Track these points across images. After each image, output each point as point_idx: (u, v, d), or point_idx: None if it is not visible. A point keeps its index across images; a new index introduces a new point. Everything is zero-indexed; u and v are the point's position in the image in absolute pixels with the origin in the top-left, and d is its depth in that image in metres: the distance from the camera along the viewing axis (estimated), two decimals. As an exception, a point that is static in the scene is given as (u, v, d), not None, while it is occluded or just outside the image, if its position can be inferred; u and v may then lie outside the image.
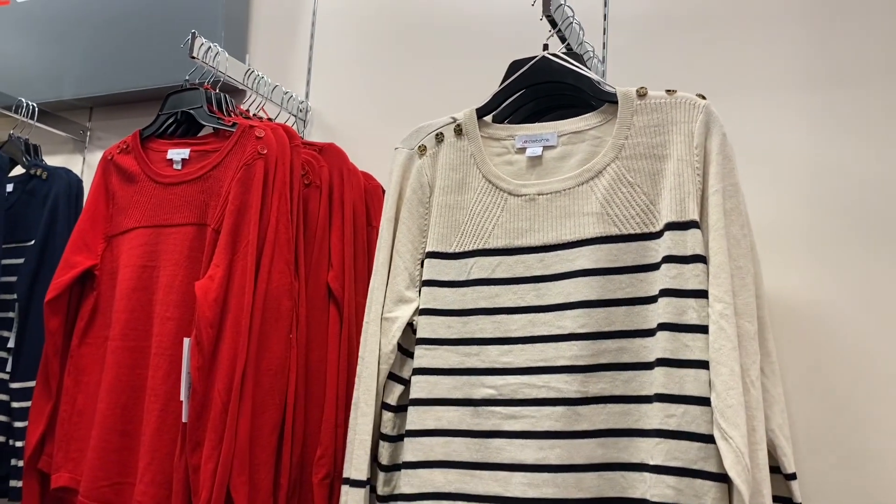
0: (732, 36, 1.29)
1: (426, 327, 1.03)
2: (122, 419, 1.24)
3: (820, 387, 1.16)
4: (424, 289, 1.05)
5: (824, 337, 1.16)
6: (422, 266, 1.06)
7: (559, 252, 0.98)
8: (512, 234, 1.01)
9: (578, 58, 1.03)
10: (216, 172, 1.25)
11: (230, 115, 1.32)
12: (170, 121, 1.37)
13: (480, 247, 1.03)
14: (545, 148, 1.03)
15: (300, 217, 1.26)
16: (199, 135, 1.36)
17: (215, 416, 1.10)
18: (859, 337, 1.14)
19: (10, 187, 1.56)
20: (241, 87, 1.47)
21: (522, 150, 1.04)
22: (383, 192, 1.49)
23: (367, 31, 1.64)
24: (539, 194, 1.01)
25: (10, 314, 1.47)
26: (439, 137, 1.08)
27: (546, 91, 1.08)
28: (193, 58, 1.34)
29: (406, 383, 1.05)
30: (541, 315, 0.97)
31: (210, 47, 1.37)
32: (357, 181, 1.39)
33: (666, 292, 0.90)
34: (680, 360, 0.88)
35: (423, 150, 1.09)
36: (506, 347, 0.98)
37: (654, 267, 0.93)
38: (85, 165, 1.85)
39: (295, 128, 1.59)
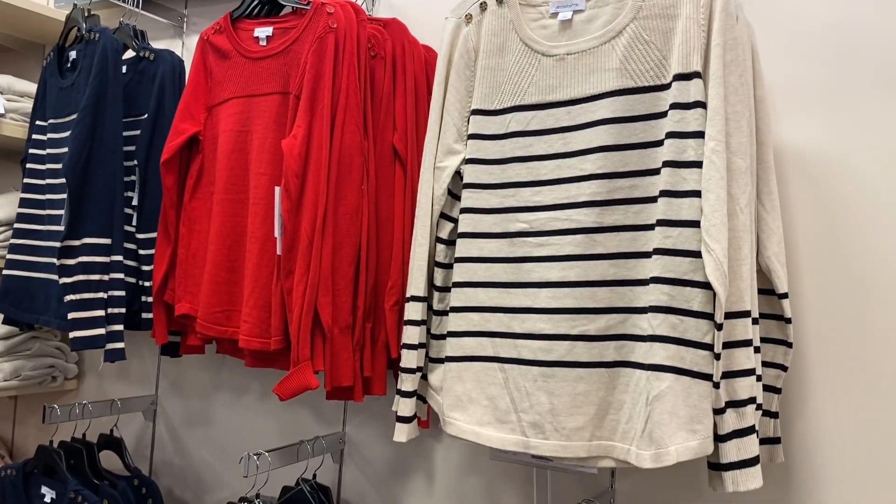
0: None
1: (471, 174, 1.22)
2: (228, 258, 1.50)
3: (829, 232, 1.29)
4: (470, 141, 1.23)
5: (836, 185, 1.28)
6: (468, 122, 1.24)
7: (583, 105, 1.14)
8: (544, 90, 1.17)
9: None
10: (295, 46, 1.44)
11: (305, -5, 1.50)
12: (255, 2, 1.56)
13: (517, 103, 1.19)
14: (575, 12, 1.16)
15: (368, 85, 1.44)
16: (281, 14, 1.54)
17: (303, 249, 1.34)
18: (871, 186, 1.25)
19: (123, 68, 1.80)
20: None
21: (555, 15, 1.18)
22: (443, 63, 1.65)
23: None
24: (568, 54, 1.15)
25: (133, 177, 1.75)
26: (483, 6, 1.23)
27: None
28: (271, -57, 1.50)
29: (455, 221, 1.25)
30: (567, 160, 1.14)
31: (285, -67, 1.52)
32: (418, 53, 1.56)
33: (670, 134, 1.05)
34: (678, 192, 1.04)
35: (468, 18, 1.24)
36: (537, 189, 1.17)
37: (663, 115, 1.08)
38: (184, 49, 2.08)
39: (363, 6, 1.75)
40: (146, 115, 1.75)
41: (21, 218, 1.83)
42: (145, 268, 1.75)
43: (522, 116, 1.19)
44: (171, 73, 1.77)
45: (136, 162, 1.74)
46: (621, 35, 1.11)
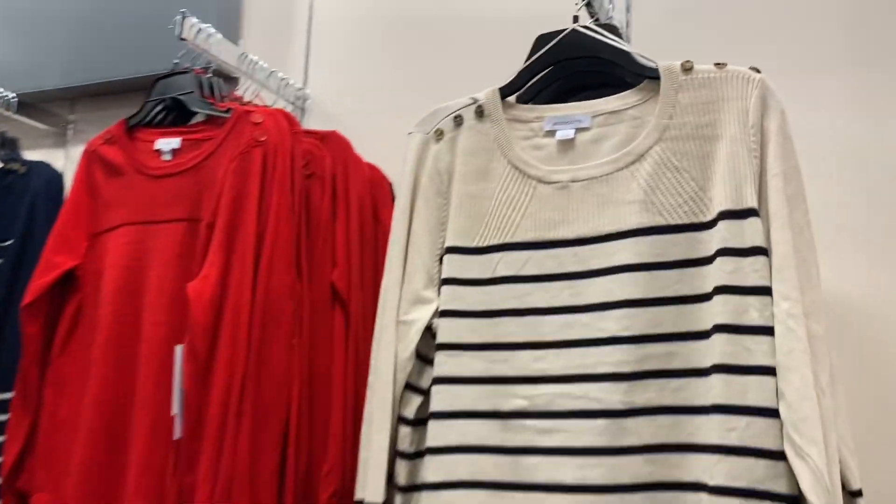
0: (765, 11, 1.19)
1: (447, 331, 0.92)
2: (109, 434, 1.12)
3: (875, 392, 1.06)
4: (445, 287, 0.94)
5: (880, 338, 1.06)
6: (441, 263, 0.96)
7: (596, 245, 0.88)
8: (542, 225, 0.91)
9: (613, 30, 0.93)
10: (210, 162, 1.14)
11: (224, 102, 1.21)
12: (158, 108, 1.26)
13: (507, 240, 0.92)
14: (578, 130, 0.92)
15: (302, 211, 1.15)
16: (192, 123, 1.25)
17: (212, 432, 0.99)
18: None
19: (-15, 183, 1.44)
20: (234, 72, 1.36)
21: (552, 133, 0.94)
22: (390, 185, 1.38)
23: (369, 13, 1.53)
24: (573, 181, 0.90)
25: (-13, 320, 1.36)
26: (458, 120, 0.98)
27: (576, 68, 0.98)
28: (183, 39, 1.23)
29: (425, 394, 0.94)
30: (578, 316, 0.87)
31: (201, 28, 1.26)
32: (362, 172, 1.28)
33: (722, 289, 0.80)
34: (741, 366, 0.77)
35: (439, 134, 0.98)
36: (538, 353, 0.88)
37: (706, 261, 0.83)
38: (67, 160, 1.74)
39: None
40: (11, 241, 1.38)
41: None
42: (-6, 439, 1.32)
43: (515, 257, 0.91)
44: (45, 189, 1.42)
45: (-8, 300, 1.36)
46: (643, 160, 0.87)
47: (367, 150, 1.34)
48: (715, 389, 0.78)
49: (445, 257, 0.95)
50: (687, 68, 0.87)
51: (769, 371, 0.76)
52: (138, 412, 1.10)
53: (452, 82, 1.38)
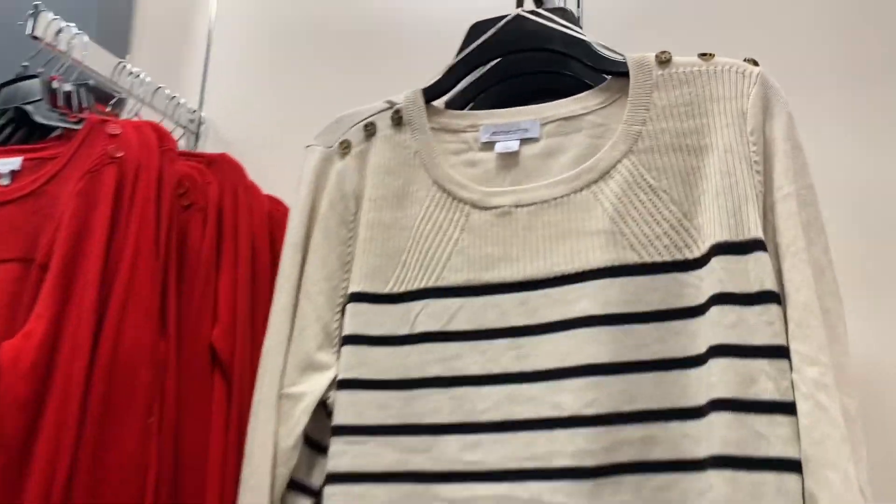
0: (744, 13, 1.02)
1: (348, 408, 0.68)
2: None
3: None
4: (346, 348, 0.70)
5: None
6: (342, 314, 0.72)
7: (550, 290, 0.65)
8: (478, 264, 0.68)
9: (566, 15, 0.73)
10: (52, 186, 0.88)
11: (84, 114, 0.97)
12: (5, 121, 1.00)
13: (431, 284, 0.69)
14: (523, 141, 0.71)
15: (173, 249, 0.90)
16: (47, 139, 0.99)
17: (18, 551, 0.71)
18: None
19: None
20: (109, 86, 1.11)
21: (490, 146, 0.72)
22: (296, 222, 1.14)
23: (274, 31, 1.32)
24: (517, 206, 0.68)
25: None
26: (369, 129, 0.75)
27: (523, 66, 0.77)
28: (36, 38, 0.98)
29: (317, 495, 0.69)
30: (525, 387, 0.64)
31: (64, 28, 1.01)
32: (259, 205, 1.04)
33: (720, 350, 0.58)
34: (752, 459, 0.55)
35: (345, 147, 0.76)
36: (471, 438, 0.64)
37: (696, 311, 0.61)
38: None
39: (185, 142, 1.25)
40: None
41: None
42: None
43: (441, 307, 0.68)
44: None
45: None
46: (609, 178, 0.66)
47: (272, 182, 1.10)
48: (714, 492, 0.55)
49: (349, 307, 0.71)
50: (663, 61, 0.67)
51: (791, 466, 0.54)
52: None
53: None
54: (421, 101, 0.74)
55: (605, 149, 0.67)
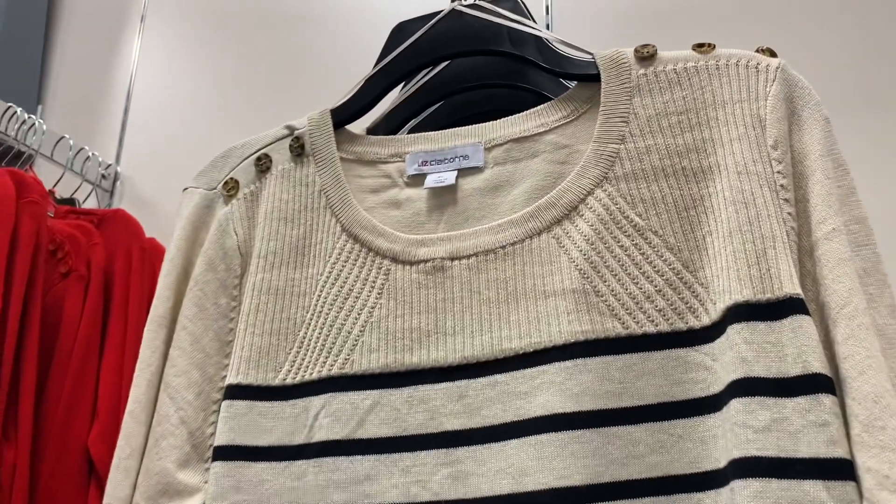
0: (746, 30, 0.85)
1: (218, 552, 0.47)
2: None
3: None
4: (216, 465, 0.49)
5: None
6: (215, 415, 0.52)
7: (499, 377, 0.46)
8: (400, 341, 0.49)
9: (516, 7, 0.55)
10: None
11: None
12: None
13: (336, 371, 0.49)
14: (462, 172, 0.52)
15: (33, 327, 0.70)
16: None
17: None
18: None
19: None
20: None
21: (419, 179, 0.53)
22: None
23: (198, 79, 1.15)
24: (452, 258, 0.49)
25: None
26: (263, 164, 0.57)
27: (463, 78, 0.59)
28: None
29: None
30: (463, 524, 0.43)
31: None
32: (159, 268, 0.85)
33: (749, 466, 0.38)
34: None
35: (231, 188, 0.57)
36: None
37: (708, 405, 0.42)
38: None
39: (95, 201, 1.06)
40: None
41: None
42: None
43: (348, 403, 0.48)
44: None
45: None
46: (577, 215, 0.47)
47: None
48: None
49: (225, 405, 0.51)
50: (646, 56, 0.49)
51: None
52: None
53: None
54: (328, 124, 0.56)
55: (570, 177, 0.48)
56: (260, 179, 0.57)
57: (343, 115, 0.57)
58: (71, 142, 1.02)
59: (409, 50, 0.56)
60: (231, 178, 0.57)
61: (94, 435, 0.73)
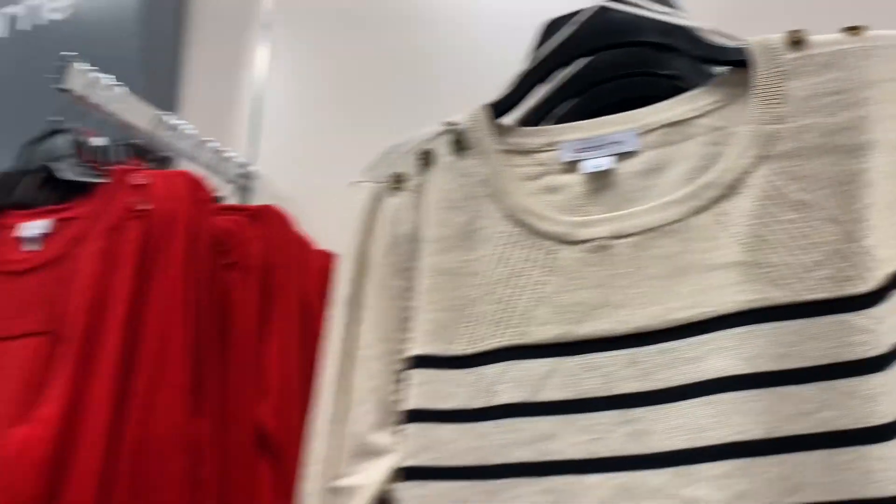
0: None
1: (416, 502, 0.53)
2: None
3: None
4: (410, 427, 0.56)
5: None
6: (402, 383, 0.58)
7: (668, 345, 0.50)
8: (570, 314, 0.53)
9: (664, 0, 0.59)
10: (76, 249, 0.78)
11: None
12: (35, 181, 0.92)
13: (510, 342, 0.54)
14: (618, 157, 0.56)
15: (211, 314, 0.78)
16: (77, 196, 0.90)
17: None
18: None
19: None
20: (146, 140, 1.03)
21: (574, 166, 0.58)
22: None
23: (328, 77, 1.23)
24: (615, 237, 0.54)
25: None
26: (426, 158, 0.62)
27: (607, 70, 0.64)
28: (64, 91, 0.90)
29: None
30: (645, 476, 0.48)
31: (97, 78, 0.94)
32: (311, 261, 0.93)
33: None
34: None
35: (398, 181, 0.63)
36: (575, 544, 0.48)
37: (873, 365, 0.45)
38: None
39: (236, 198, 1.15)
40: None
41: None
42: None
43: (525, 370, 0.53)
44: None
45: None
46: (737, 194, 0.51)
47: (331, 234, 0.98)
48: None
49: (410, 374, 0.57)
50: (796, 41, 0.52)
51: None
52: None
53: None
54: (486, 119, 0.61)
55: (728, 158, 0.52)
56: (424, 171, 0.62)
57: (498, 110, 0.62)
58: (215, 144, 1.11)
59: (560, 46, 0.61)
60: (397, 173, 0.63)
61: (266, 410, 0.81)
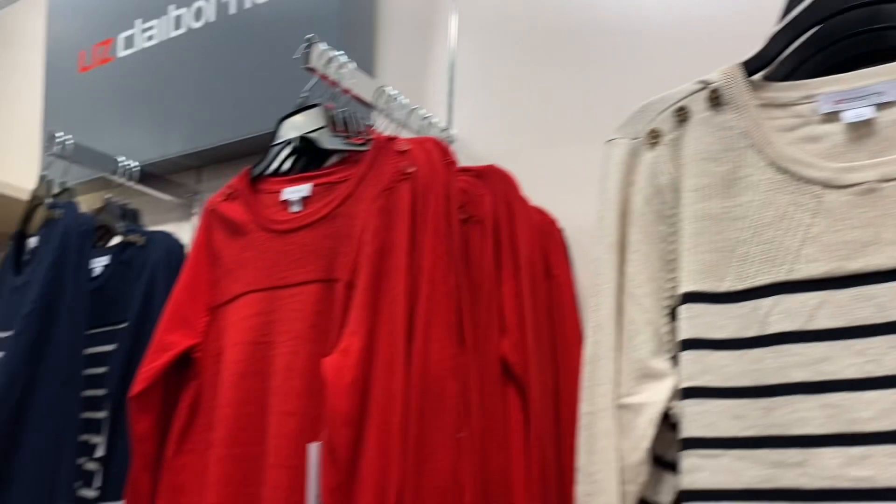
0: None
1: (698, 419, 0.62)
2: (230, 559, 0.88)
3: None
4: (686, 354, 0.64)
5: None
6: (672, 318, 0.66)
7: (945, 275, 0.55)
8: (839, 252, 0.59)
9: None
10: (346, 208, 0.90)
11: (360, 136, 0.99)
12: (285, 152, 1.06)
13: (781, 278, 0.61)
14: (879, 107, 0.61)
15: (460, 263, 0.89)
16: (326, 165, 1.03)
17: (359, 566, 0.71)
18: None
19: (104, 260, 1.29)
20: (369, 108, 1.14)
21: (833, 116, 0.63)
22: (561, 232, 1.11)
23: (520, 39, 1.30)
24: (885, 180, 0.59)
25: (100, 414, 1.17)
26: (681, 114, 0.69)
27: (844, 28, 0.68)
28: (310, 70, 1.02)
29: (667, 515, 0.63)
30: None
31: (333, 57, 1.05)
32: (529, 216, 1.02)
33: None
34: None
35: (654, 136, 0.70)
36: (857, 451, 0.55)
37: None
38: (194, 232, 1.59)
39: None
40: (126, 323, 1.21)
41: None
42: (110, 557, 1.12)
43: (797, 303, 0.60)
44: (165, 262, 1.24)
45: (106, 391, 1.17)
46: None
47: (529, 194, 1.07)
48: None
49: (683, 309, 0.65)
50: None
51: None
52: (265, 533, 0.84)
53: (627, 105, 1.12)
54: (741, 76, 0.67)
55: None
56: (680, 127, 0.69)
57: (752, 68, 0.68)
58: (423, 111, 1.22)
59: (811, 6, 0.65)
60: (653, 129, 0.70)
61: (508, 346, 0.92)
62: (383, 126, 1.17)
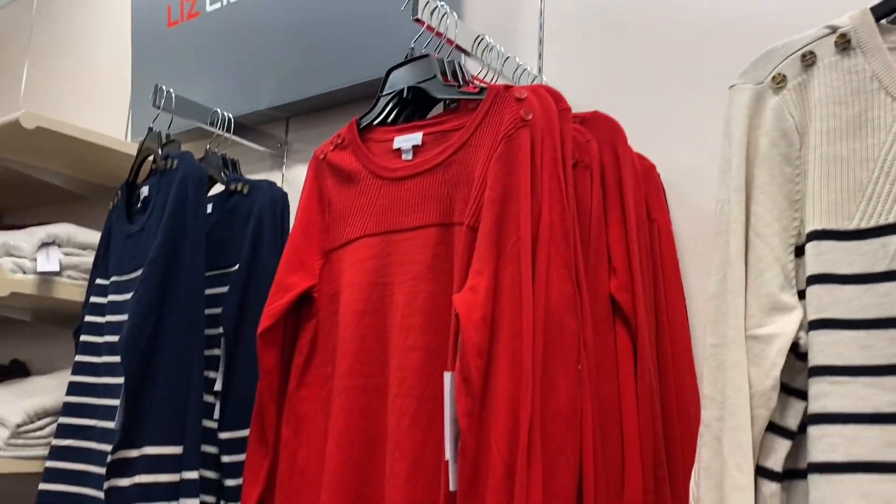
0: None
1: (825, 348, 0.66)
2: (357, 480, 0.95)
3: None
4: (814, 288, 0.67)
5: None
6: (797, 255, 0.70)
7: None
8: (972, 190, 0.62)
9: None
10: (462, 155, 0.95)
11: (469, 86, 1.03)
12: (392, 103, 1.10)
13: (911, 216, 0.64)
14: None
15: (573, 207, 0.93)
16: (434, 115, 1.07)
17: (496, 484, 0.77)
18: None
19: (209, 208, 1.36)
20: (469, 57, 1.18)
21: (969, 59, 0.65)
22: (659, 177, 1.14)
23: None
24: None
25: (217, 351, 1.26)
26: (808, 59, 0.72)
27: None
28: (418, 21, 1.06)
29: (792, 436, 0.68)
30: None
31: (438, 7, 1.09)
32: (633, 161, 1.05)
33: None
34: None
35: (779, 81, 0.73)
36: None
37: None
38: (284, 181, 1.65)
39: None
40: (237, 266, 1.28)
41: (69, 409, 1.34)
42: (230, 482, 1.21)
43: (926, 240, 0.63)
44: (270, 208, 1.31)
45: (221, 330, 1.25)
46: None
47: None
48: None
49: (810, 246, 0.68)
50: None
51: None
52: (392, 456, 0.91)
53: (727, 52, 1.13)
54: (871, 20, 0.69)
55: None
56: (806, 71, 0.72)
57: (881, 12, 0.69)
58: (517, 59, 1.25)
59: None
60: (778, 73, 0.73)
61: (616, 285, 0.96)
62: (481, 75, 1.20)
